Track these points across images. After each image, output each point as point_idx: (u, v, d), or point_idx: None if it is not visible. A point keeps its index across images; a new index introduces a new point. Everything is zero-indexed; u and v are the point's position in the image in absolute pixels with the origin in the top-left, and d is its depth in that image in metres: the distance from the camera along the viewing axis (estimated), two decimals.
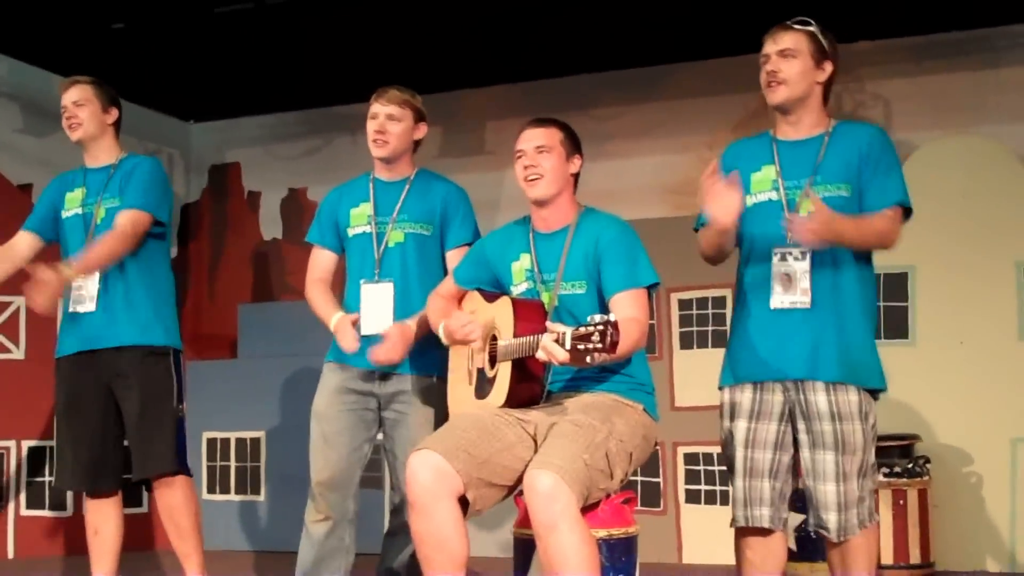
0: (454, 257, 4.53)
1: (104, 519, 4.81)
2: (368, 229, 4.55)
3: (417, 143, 4.63)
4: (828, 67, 3.87)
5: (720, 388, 3.95)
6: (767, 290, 3.81)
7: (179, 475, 4.77)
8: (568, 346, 3.32)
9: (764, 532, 3.84)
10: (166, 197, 4.86)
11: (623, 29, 6.80)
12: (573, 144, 4.00)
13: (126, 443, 4.81)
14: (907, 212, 3.85)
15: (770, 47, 3.87)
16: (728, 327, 4.11)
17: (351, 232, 4.59)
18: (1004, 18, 6.54)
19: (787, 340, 3.76)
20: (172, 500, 4.75)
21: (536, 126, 4.01)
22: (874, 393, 3.82)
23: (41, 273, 4.43)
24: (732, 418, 3.87)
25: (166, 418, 4.74)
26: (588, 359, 3.31)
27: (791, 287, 3.77)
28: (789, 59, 3.83)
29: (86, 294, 4.71)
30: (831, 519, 3.74)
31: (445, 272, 4.51)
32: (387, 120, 4.52)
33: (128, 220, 4.69)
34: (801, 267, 3.76)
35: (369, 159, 4.61)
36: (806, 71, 3.83)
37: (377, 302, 4.48)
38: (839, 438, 3.71)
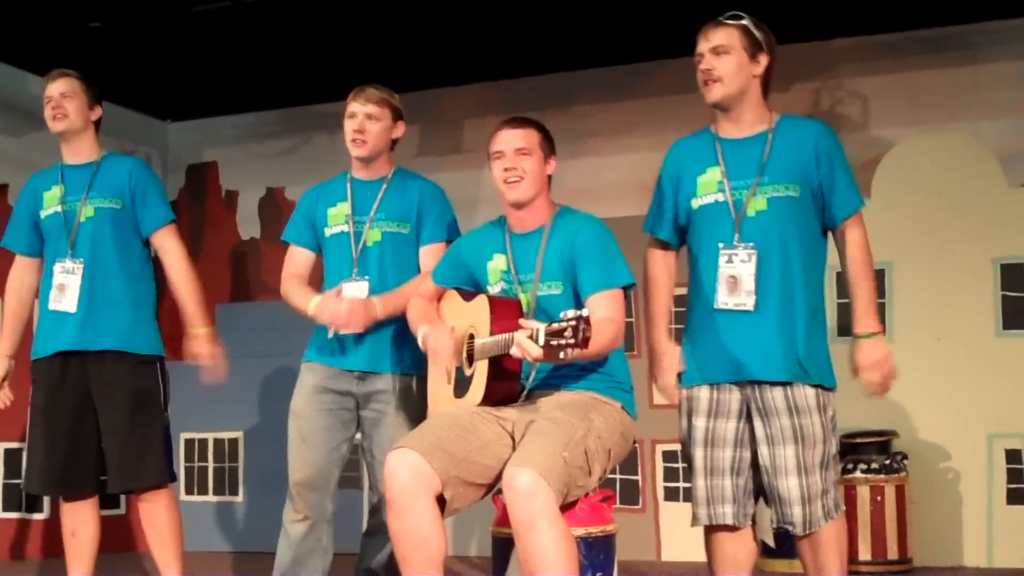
0: (426, 254, 4.52)
1: (81, 522, 4.74)
2: (346, 228, 4.54)
3: (395, 142, 4.62)
4: (763, 59, 3.83)
5: (679, 388, 3.94)
6: (714, 291, 3.80)
7: (166, 486, 4.75)
8: (541, 342, 3.32)
9: (732, 529, 3.84)
10: None
11: (601, 27, 6.80)
12: (550, 145, 3.99)
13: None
14: None
15: (703, 45, 3.83)
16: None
17: (328, 232, 4.57)
18: (981, 15, 6.57)
19: (737, 342, 3.75)
20: (155, 508, 4.71)
21: (514, 127, 3.97)
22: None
23: (196, 348, 4.75)
24: (690, 417, 3.86)
25: (155, 430, 4.71)
26: (561, 355, 3.31)
27: (736, 288, 3.75)
28: (722, 56, 3.79)
29: (68, 293, 4.65)
30: (796, 513, 3.73)
31: (419, 270, 4.51)
32: (366, 120, 4.50)
33: (172, 237, 4.80)
34: (747, 269, 3.75)
35: (347, 158, 4.60)
36: (741, 66, 3.79)
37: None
38: (798, 432, 3.70)
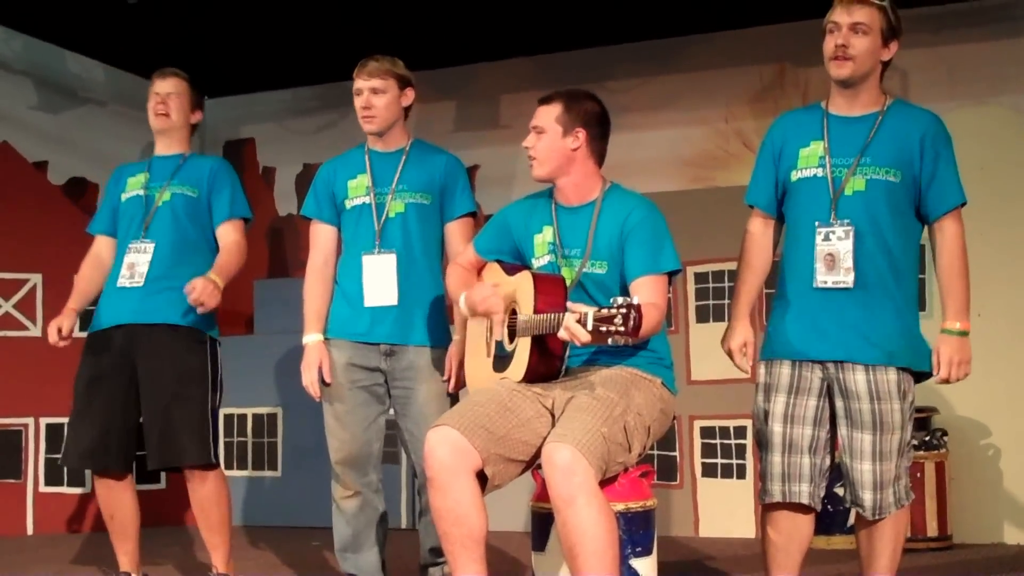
0: (454, 228, 4.54)
1: (116, 504, 4.78)
2: (367, 200, 4.53)
3: (407, 110, 4.61)
4: (894, 47, 3.75)
5: (758, 362, 3.91)
6: (810, 268, 3.76)
7: (212, 468, 4.74)
8: (590, 327, 3.31)
9: (797, 509, 3.80)
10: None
11: (639, 1, 6.75)
12: (574, 117, 3.90)
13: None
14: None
15: (842, 16, 3.72)
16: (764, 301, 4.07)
17: (349, 204, 4.56)
18: None
19: (828, 320, 3.71)
20: (204, 492, 4.73)
21: (540, 103, 3.96)
22: (916, 374, 3.78)
23: (199, 284, 4.56)
24: (770, 392, 3.81)
25: (197, 409, 4.71)
26: (610, 340, 3.30)
27: (834, 266, 3.71)
28: (861, 35, 3.70)
29: (137, 271, 4.72)
30: (867, 498, 3.72)
31: (442, 241, 4.55)
32: (371, 95, 4.51)
33: (236, 231, 4.88)
34: (844, 246, 3.70)
35: None
36: (875, 49, 3.72)
37: (380, 274, 4.47)
38: (877, 418, 3.68)
